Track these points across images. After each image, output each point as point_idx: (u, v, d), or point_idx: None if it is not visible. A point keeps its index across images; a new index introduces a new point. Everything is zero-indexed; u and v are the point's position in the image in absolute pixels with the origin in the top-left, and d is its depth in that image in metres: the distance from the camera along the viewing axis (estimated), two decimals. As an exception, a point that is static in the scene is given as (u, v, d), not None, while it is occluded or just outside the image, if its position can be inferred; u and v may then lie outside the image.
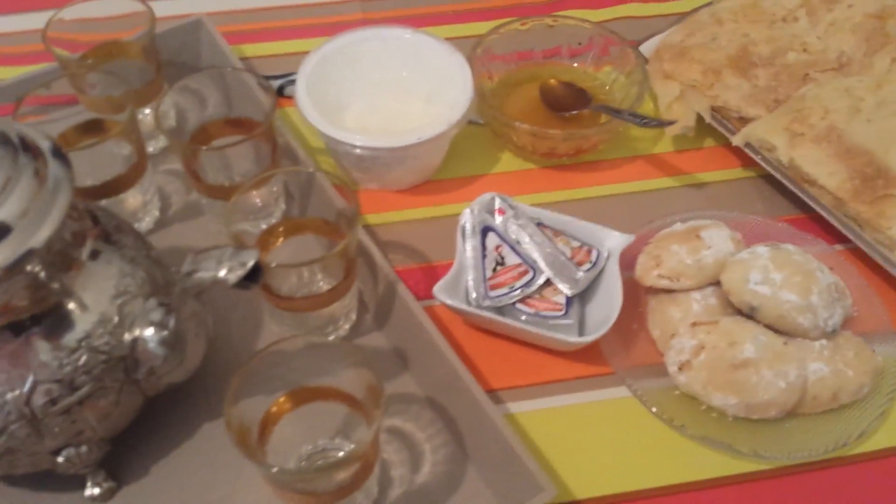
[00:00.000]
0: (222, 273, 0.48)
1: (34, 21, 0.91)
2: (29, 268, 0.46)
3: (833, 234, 0.70)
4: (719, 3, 0.84)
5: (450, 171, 0.76)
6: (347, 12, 0.93)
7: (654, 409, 0.59)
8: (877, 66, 0.78)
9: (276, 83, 0.83)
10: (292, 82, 0.82)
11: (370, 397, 0.49)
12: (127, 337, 0.50)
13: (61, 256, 0.49)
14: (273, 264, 0.58)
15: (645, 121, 0.70)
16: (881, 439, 0.60)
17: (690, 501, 0.57)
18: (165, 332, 0.50)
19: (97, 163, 0.65)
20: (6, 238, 0.44)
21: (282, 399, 0.50)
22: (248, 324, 0.64)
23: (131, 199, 0.68)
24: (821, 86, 0.75)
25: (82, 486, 0.55)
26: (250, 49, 0.87)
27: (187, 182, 0.74)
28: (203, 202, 0.69)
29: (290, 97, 0.80)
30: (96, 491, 0.55)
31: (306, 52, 0.75)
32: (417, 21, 0.91)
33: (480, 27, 0.87)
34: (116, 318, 0.50)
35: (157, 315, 0.51)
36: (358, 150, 0.69)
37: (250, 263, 0.48)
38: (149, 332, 0.50)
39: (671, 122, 0.71)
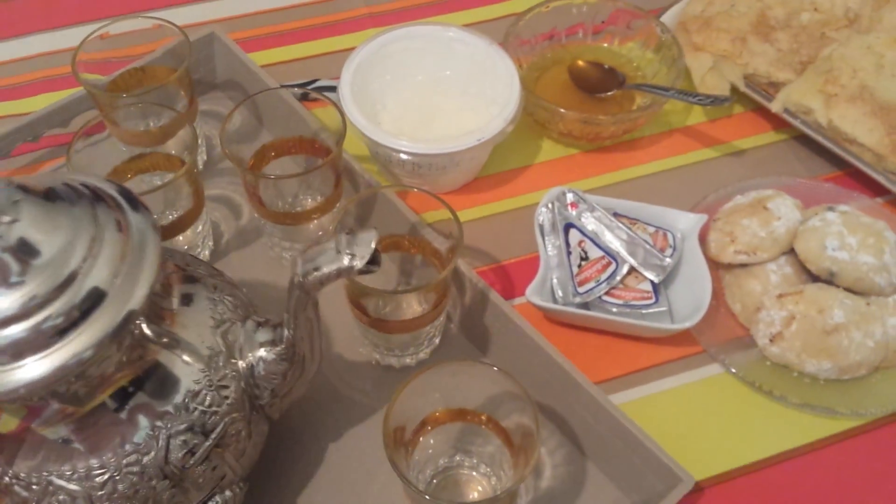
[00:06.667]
0: (346, 262, 0.45)
1: (28, 47, 0.86)
2: (132, 330, 0.44)
3: (873, 189, 0.73)
4: (729, -32, 0.85)
5: (493, 167, 0.76)
6: (351, 7, 0.90)
7: (755, 383, 0.61)
8: (885, 20, 0.80)
9: (297, 91, 0.80)
10: (315, 89, 0.80)
11: (524, 440, 0.49)
12: (241, 364, 0.49)
13: (157, 309, 0.47)
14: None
15: (699, 98, 0.70)
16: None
17: (798, 466, 0.59)
18: (280, 348, 0.49)
19: (155, 203, 0.62)
20: (102, 304, 0.41)
21: (439, 412, 0.51)
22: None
23: (190, 233, 0.66)
24: (844, 45, 0.77)
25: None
26: (260, 56, 0.84)
27: (233, 209, 0.73)
28: (263, 223, 0.67)
29: (314, 101, 0.77)
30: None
31: (317, 55, 0.74)
32: (420, 12, 0.90)
33: (483, 12, 0.86)
34: (224, 349, 0.49)
35: (263, 335, 0.50)
36: (411, 157, 0.68)
37: (373, 243, 0.45)
38: (261, 352, 0.49)
39: (727, 98, 0.72)
